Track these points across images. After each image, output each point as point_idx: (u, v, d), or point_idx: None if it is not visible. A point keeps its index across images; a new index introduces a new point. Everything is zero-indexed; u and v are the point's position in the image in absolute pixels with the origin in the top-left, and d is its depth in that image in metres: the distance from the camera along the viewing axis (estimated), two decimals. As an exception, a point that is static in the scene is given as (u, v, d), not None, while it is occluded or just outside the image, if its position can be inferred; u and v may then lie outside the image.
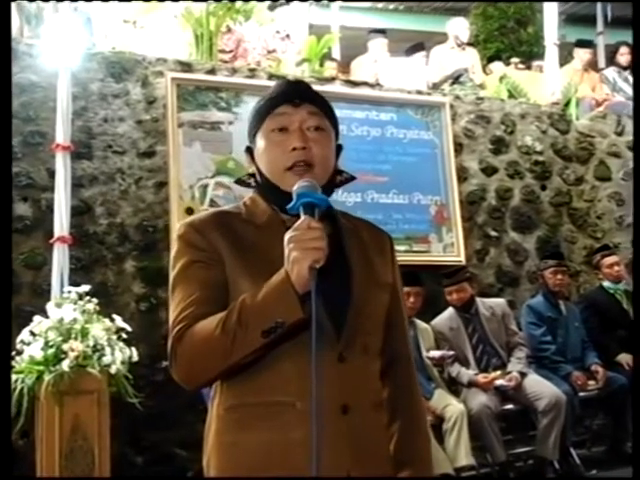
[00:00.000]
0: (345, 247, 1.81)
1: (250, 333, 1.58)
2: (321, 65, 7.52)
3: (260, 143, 1.81)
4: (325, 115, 1.83)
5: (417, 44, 8.84)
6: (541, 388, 5.55)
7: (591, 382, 5.97)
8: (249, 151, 1.87)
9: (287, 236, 1.57)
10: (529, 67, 9.78)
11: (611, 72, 9.17)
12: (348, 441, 1.67)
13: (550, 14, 7.92)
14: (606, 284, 6.57)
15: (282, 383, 1.66)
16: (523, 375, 5.61)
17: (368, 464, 1.70)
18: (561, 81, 7.95)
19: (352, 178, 1.90)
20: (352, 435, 1.68)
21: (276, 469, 1.64)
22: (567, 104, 7.79)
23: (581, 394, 5.83)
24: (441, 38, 9.41)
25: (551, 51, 7.83)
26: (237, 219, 1.80)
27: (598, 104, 8.29)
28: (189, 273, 1.73)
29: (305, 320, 1.56)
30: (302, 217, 1.60)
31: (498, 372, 5.59)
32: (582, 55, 9.13)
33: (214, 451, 1.74)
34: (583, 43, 9.26)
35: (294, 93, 1.81)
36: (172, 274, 1.77)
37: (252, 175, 1.88)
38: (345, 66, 8.56)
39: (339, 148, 1.87)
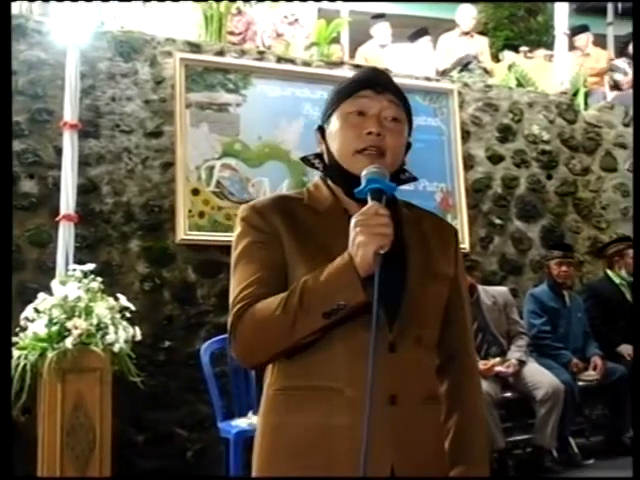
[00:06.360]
0: (404, 237, 1.79)
1: (311, 314, 1.60)
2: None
3: (335, 124, 1.81)
4: (403, 108, 1.83)
5: (420, 29, 8.76)
6: (540, 377, 5.58)
7: (591, 372, 5.99)
8: (320, 130, 1.88)
9: (354, 219, 1.58)
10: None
11: (622, 62, 9.17)
12: (394, 432, 1.66)
13: (560, 4, 7.89)
14: (611, 274, 6.58)
15: (332, 368, 1.67)
16: (522, 363, 5.63)
17: (413, 457, 1.68)
18: (570, 70, 7.92)
19: (414, 179, 1.91)
20: (398, 427, 1.67)
21: (319, 454, 1.65)
22: (575, 94, 7.76)
23: (581, 384, 5.87)
24: (450, 25, 9.37)
25: (561, 40, 7.79)
26: (298, 204, 1.81)
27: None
28: (250, 253, 1.76)
29: (365, 304, 1.58)
30: (369, 202, 1.62)
31: (497, 359, 5.61)
32: (578, 42, 9.20)
33: (261, 431, 1.77)
34: (577, 30, 9.24)
35: (378, 80, 1.82)
36: (234, 254, 1.79)
37: (318, 156, 1.89)
38: (352, 51, 8.52)
39: (408, 145, 1.88)
